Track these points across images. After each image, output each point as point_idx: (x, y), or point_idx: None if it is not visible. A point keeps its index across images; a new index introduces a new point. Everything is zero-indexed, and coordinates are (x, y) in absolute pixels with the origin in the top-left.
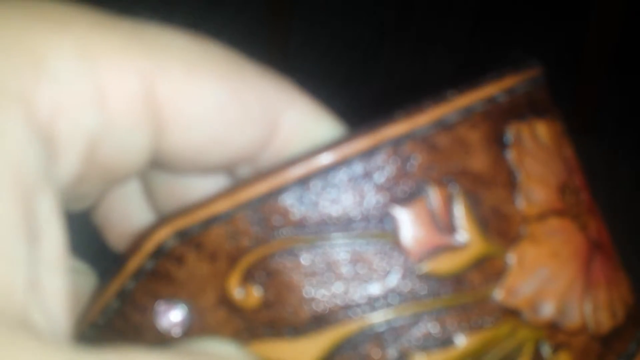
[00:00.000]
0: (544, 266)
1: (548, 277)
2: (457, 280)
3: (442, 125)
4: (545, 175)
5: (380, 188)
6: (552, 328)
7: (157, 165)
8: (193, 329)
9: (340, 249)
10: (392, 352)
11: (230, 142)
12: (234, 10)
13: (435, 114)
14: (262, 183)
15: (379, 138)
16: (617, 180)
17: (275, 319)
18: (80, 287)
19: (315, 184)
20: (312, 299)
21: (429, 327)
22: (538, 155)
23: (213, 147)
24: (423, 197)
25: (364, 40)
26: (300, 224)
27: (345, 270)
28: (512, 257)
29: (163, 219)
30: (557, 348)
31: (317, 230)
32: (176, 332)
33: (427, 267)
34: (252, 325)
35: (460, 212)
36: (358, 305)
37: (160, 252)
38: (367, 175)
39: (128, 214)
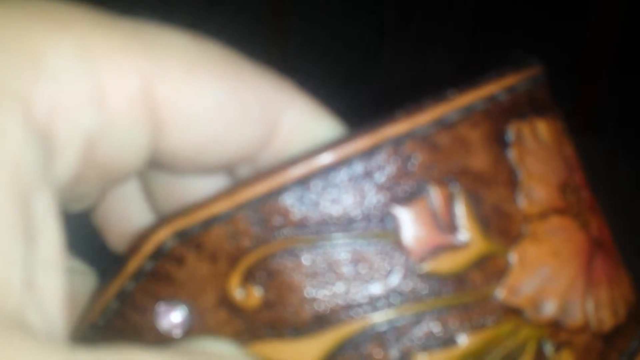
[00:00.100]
0: (545, 265)
1: (550, 275)
2: (458, 279)
3: (443, 124)
4: (546, 174)
5: (381, 187)
6: (555, 326)
7: (157, 165)
8: (193, 330)
9: (341, 249)
10: (394, 352)
11: (230, 142)
12: (233, 10)
13: (436, 112)
14: (262, 183)
15: (380, 137)
16: (617, 180)
17: (276, 320)
18: (80, 287)
19: (316, 184)
20: (314, 299)
21: (431, 326)
22: (539, 154)
23: (212, 147)
24: (424, 197)
25: (364, 40)
26: (301, 224)
27: (346, 270)
28: (513, 256)
29: (162, 220)
30: (559, 347)
31: (318, 230)
32: (177, 333)
33: (429, 266)
34: (253, 326)
35: (461, 211)
36: (359, 305)
37: (159, 253)
38: (368, 174)
39: (127, 214)
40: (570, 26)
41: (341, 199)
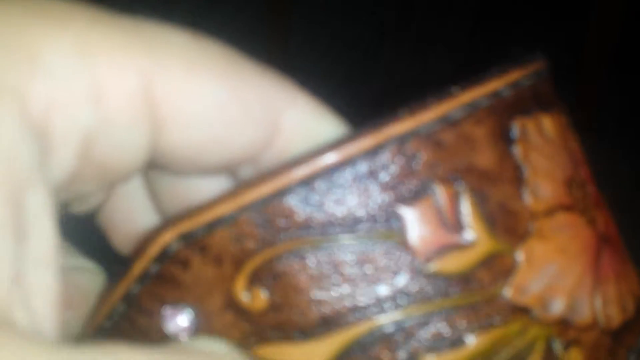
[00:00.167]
0: (552, 262)
1: (557, 273)
2: (465, 279)
3: (447, 122)
4: (551, 170)
5: (385, 187)
6: (563, 324)
7: (157, 165)
8: (200, 333)
9: (346, 249)
10: (402, 353)
11: (231, 142)
12: (233, 9)
13: (440, 110)
14: (266, 184)
15: (383, 136)
16: (618, 180)
17: (283, 322)
18: (88, 285)
19: (320, 185)
20: (320, 301)
21: (439, 327)
22: (544, 150)
23: (213, 147)
24: (429, 196)
25: (364, 40)
26: (306, 225)
27: (352, 271)
28: (520, 254)
29: (167, 222)
30: (568, 345)
31: (323, 232)
32: (183, 336)
33: (435, 266)
34: (260, 329)
35: (467, 210)
36: (367, 307)
37: (164, 256)
38: (372, 174)
39: (132, 215)
40: (570, 26)
41: (346, 199)
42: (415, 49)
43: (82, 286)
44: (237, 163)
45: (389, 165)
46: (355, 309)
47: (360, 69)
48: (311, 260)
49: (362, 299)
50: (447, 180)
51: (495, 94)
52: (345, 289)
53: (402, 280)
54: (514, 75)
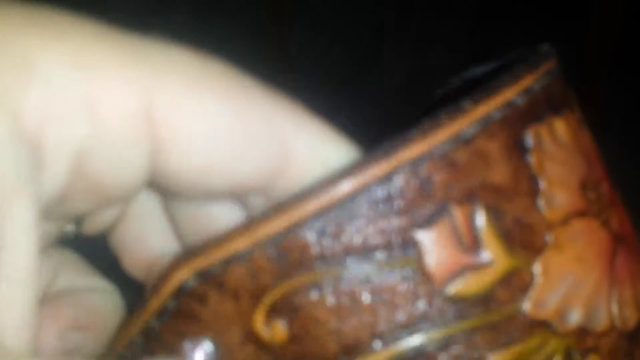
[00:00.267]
0: (569, 273)
1: (574, 283)
2: (484, 299)
3: (460, 141)
4: (566, 176)
5: (400, 212)
6: (581, 334)
7: (159, 187)
8: None
9: (364, 278)
10: None
11: (236, 167)
12: (233, 10)
13: (452, 129)
14: (280, 219)
15: (396, 161)
16: (620, 180)
17: (303, 353)
18: (101, 307)
19: (334, 215)
20: (340, 331)
21: (460, 349)
22: (558, 156)
23: (216, 172)
24: (445, 218)
25: (364, 40)
26: (322, 257)
27: (370, 299)
28: (537, 268)
29: (182, 258)
30: (586, 353)
31: (340, 262)
32: None
33: (454, 289)
34: None
35: (483, 229)
36: (386, 334)
37: (182, 292)
38: (387, 200)
39: (144, 238)
40: (570, 26)
41: (361, 228)
42: (415, 49)
43: (96, 307)
44: (245, 190)
45: (404, 191)
46: (375, 337)
47: (360, 69)
48: (328, 291)
49: (382, 327)
50: (463, 201)
51: (509, 104)
52: (365, 317)
53: (421, 305)
54: (527, 80)
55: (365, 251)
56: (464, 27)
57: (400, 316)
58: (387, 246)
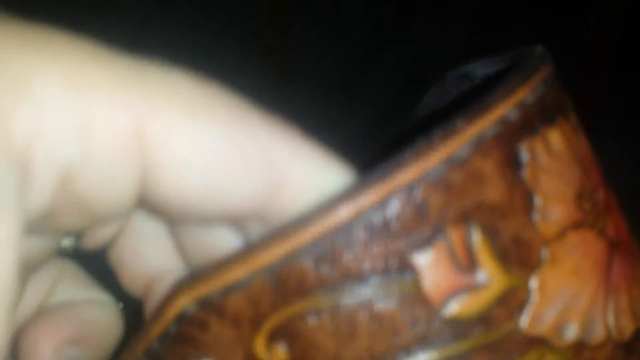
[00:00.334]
0: (565, 287)
1: (570, 297)
2: (482, 319)
3: (454, 162)
4: (561, 189)
5: (397, 237)
6: (578, 348)
7: (152, 209)
8: None
9: (362, 303)
10: None
11: (230, 192)
12: (234, 10)
13: (446, 150)
14: (278, 246)
15: (392, 186)
16: (618, 180)
17: None
18: (99, 321)
19: (331, 242)
20: (339, 356)
21: None
22: (553, 169)
23: (209, 196)
24: (441, 240)
25: (364, 40)
26: (320, 284)
27: (369, 324)
28: (534, 284)
29: (182, 286)
30: None
31: (337, 288)
32: None
33: (451, 311)
34: None
35: (479, 249)
36: (386, 358)
37: (182, 319)
38: (383, 225)
39: (144, 255)
40: (570, 26)
41: (358, 253)
42: (416, 49)
43: (93, 321)
44: (240, 215)
45: (399, 215)
46: None
47: (360, 70)
48: (327, 317)
49: (381, 351)
50: (458, 222)
51: (502, 121)
52: (363, 342)
53: (419, 328)
54: (520, 93)
55: (362, 276)
56: (464, 27)
57: (399, 339)
58: (384, 270)
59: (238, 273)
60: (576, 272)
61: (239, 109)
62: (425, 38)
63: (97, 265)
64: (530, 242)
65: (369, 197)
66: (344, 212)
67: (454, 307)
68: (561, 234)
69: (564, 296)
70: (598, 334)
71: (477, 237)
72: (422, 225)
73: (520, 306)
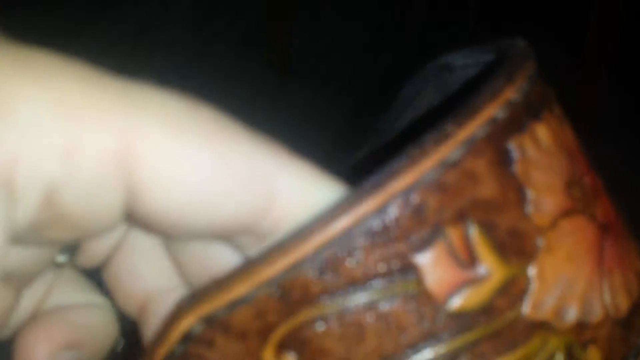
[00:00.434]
0: (563, 272)
1: (568, 282)
2: (485, 310)
3: (448, 164)
4: (551, 180)
5: (397, 240)
6: (579, 328)
7: (143, 226)
8: None
9: (367, 306)
10: None
11: (217, 208)
12: (234, 11)
13: (439, 154)
14: (281, 259)
15: (389, 192)
16: (618, 181)
17: None
18: (95, 324)
19: (333, 250)
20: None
21: None
22: (542, 162)
23: (196, 213)
24: (440, 240)
25: (365, 40)
26: (325, 291)
27: (376, 326)
28: (532, 272)
29: (186, 305)
30: (585, 346)
31: (342, 294)
32: None
33: (456, 305)
34: None
35: (477, 244)
36: (395, 357)
37: (188, 338)
38: (383, 231)
39: (139, 274)
40: (570, 26)
41: (360, 259)
42: (416, 49)
43: (89, 325)
44: (229, 231)
45: (398, 220)
46: None
47: (360, 70)
48: (334, 322)
49: (390, 350)
50: (455, 220)
51: (491, 121)
52: (372, 343)
53: (425, 324)
54: (507, 93)
55: (366, 280)
56: (464, 27)
57: (407, 337)
58: (388, 273)
59: (243, 288)
60: (571, 258)
61: (226, 127)
62: (425, 38)
63: (94, 268)
64: (525, 233)
65: (367, 205)
66: (344, 221)
67: (458, 301)
68: (554, 223)
69: (562, 281)
70: (597, 314)
71: (474, 233)
72: (421, 227)
73: (521, 294)
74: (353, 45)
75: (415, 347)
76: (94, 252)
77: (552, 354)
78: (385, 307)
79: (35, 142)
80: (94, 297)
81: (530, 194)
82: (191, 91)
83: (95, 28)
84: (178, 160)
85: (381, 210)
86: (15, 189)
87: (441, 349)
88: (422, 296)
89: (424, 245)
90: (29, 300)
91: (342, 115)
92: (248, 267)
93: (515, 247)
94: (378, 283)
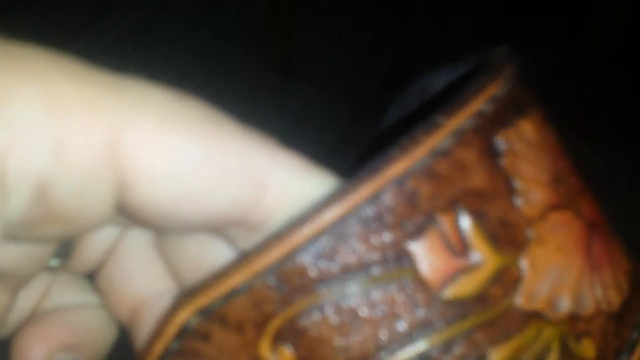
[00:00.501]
0: (554, 263)
1: (559, 273)
2: (480, 298)
3: (439, 153)
4: (538, 175)
5: (391, 227)
6: (572, 320)
7: (136, 220)
8: None
9: (363, 294)
10: None
11: (207, 200)
12: (234, 11)
13: (430, 143)
14: (276, 247)
15: (382, 180)
16: (619, 182)
17: None
18: (92, 325)
19: (328, 238)
20: (346, 348)
21: (462, 349)
22: (528, 156)
23: (186, 205)
24: (433, 227)
25: (365, 41)
26: (320, 279)
27: (371, 313)
28: (524, 263)
29: (182, 299)
30: (579, 337)
31: (338, 282)
32: None
33: (450, 293)
34: None
35: (470, 232)
36: (391, 344)
37: (184, 333)
38: (377, 218)
39: (132, 279)
40: (571, 26)
41: (355, 247)
42: (416, 49)
43: (86, 326)
44: (220, 222)
45: (392, 207)
46: (380, 348)
47: (360, 70)
48: (330, 311)
49: (386, 338)
50: (448, 209)
51: (478, 114)
52: (368, 331)
53: (420, 312)
54: (491, 88)
55: (361, 268)
56: (464, 27)
57: (402, 325)
58: (382, 260)
59: (239, 278)
60: (562, 249)
61: (215, 120)
62: (425, 38)
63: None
64: (515, 223)
65: (361, 193)
66: (338, 209)
67: (452, 289)
68: (543, 215)
69: (554, 271)
70: (589, 306)
71: (466, 221)
72: (415, 215)
73: (514, 283)
74: (354, 45)
75: (410, 335)
76: (86, 256)
77: (547, 344)
78: (380, 294)
79: (25, 137)
80: (92, 298)
81: (518, 185)
82: (191, 91)
83: (95, 28)
84: (167, 152)
85: (375, 197)
86: (6, 183)
87: (436, 337)
88: (417, 284)
89: (417, 232)
90: (26, 301)
91: (342, 115)
92: (244, 257)
93: (506, 236)
94: (373, 270)
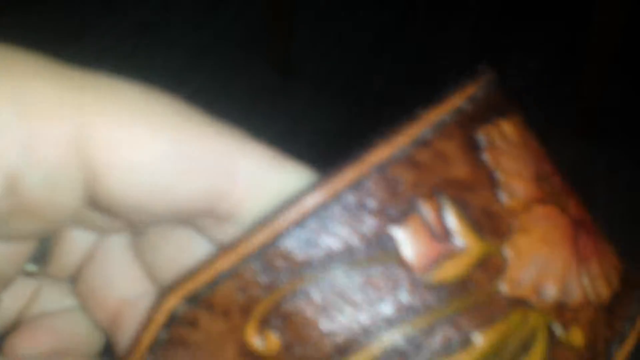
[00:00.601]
0: (538, 252)
1: (544, 261)
2: (464, 283)
3: (420, 143)
4: (520, 170)
5: (374, 213)
6: (559, 308)
7: (107, 212)
8: None
9: (347, 278)
10: None
11: (177, 192)
12: (235, 12)
13: (412, 133)
14: (261, 233)
15: (365, 166)
16: (619, 182)
17: (299, 359)
18: (83, 328)
19: (313, 223)
20: (331, 332)
21: (447, 333)
22: (510, 153)
23: (155, 196)
24: (416, 213)
25: (365, 41)
26: (305, 264)
27: (356, 297)
28: (508, 251)
29: (169, 288)
30: (567, 326)
31: (322, 266)
32: None
33: (434, 277)
34: None
35: (453, 219)
36: (376, 328)
37: (172, 321)
38: (360, 204)
39: (111, 283)
40: (570, 26)
41: (339, 232)
42: (416, 49)
43: (75, 330)
44: (190, 213)
45: (375, 193)
46: (365, 332)
47: (361, 70)
48: (315, 295)
49: (370, 321)
50: (430, 196)
51: (458, 110)
52: (353, 314)
53: (404, 296)
54: (470, 89)
55: (345, 253)
56: (464, 27)
57: (387, 309)
58: (366, 245)
59: (225, 263)
60: (546, 240)
61: (182, 112)
62: (425, 38)
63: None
64: (498, 213)
65: (343, 179)
66: (321, 195)
67: (436, 273)
68: (527, 207)
69: (538, 260)
70: (576, 296)
71: (449, 208)
72: (397, 201)
73: (499, 270)
74: (354, 45)
75: (394, 319)
76: (64, 263)
77: (533, 331)
78: (364, 279)
79: None
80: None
81: (501, 178)
82: (191, 91)
83: (95, 28)
84: (134, 145)
85: (357, 183)
86: None
87: (420, 321)
88: (400, 268)
89: (400, 217)
90: (13, 305)
91: (342, 115)
92: (229, 245)
93: (489, 225)
94: (357, 255)
